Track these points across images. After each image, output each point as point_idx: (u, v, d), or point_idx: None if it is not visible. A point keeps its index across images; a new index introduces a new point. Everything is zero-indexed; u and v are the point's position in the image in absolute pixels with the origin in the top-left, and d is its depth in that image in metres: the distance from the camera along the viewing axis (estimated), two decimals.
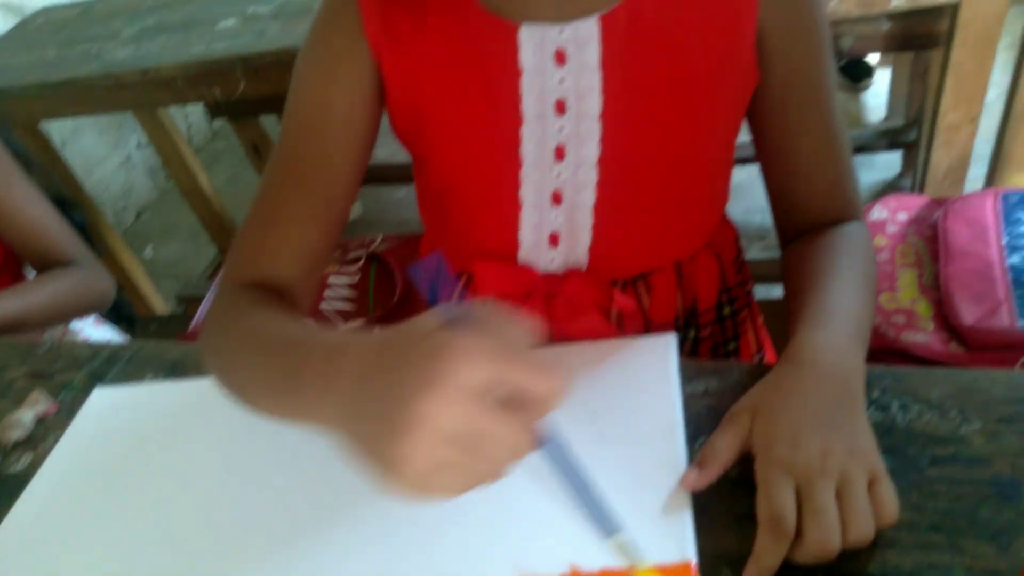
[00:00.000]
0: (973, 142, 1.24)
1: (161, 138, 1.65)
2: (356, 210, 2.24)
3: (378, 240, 1.25)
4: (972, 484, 0.45)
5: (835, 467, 0.43)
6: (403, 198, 2.23)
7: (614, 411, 0.54)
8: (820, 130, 0.60)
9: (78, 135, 2.37)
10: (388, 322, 1.12)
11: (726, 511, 0.46)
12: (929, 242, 0.98)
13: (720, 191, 0.66)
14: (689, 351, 0.69)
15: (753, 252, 1.71)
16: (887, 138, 1.79)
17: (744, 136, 0.63)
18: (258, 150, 2.06)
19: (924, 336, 0.88)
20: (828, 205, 0.62)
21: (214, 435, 0.60)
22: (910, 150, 1.81)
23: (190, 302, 1.82)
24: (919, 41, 1.35)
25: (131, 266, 1.86)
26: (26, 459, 0.63)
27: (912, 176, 1.75)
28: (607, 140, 0.57)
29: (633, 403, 0.54)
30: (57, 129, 2.23)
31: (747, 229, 1.74)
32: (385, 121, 0.63)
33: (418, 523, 0.49)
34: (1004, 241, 0.90)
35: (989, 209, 0.95)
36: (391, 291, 1.15)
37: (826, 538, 0.41)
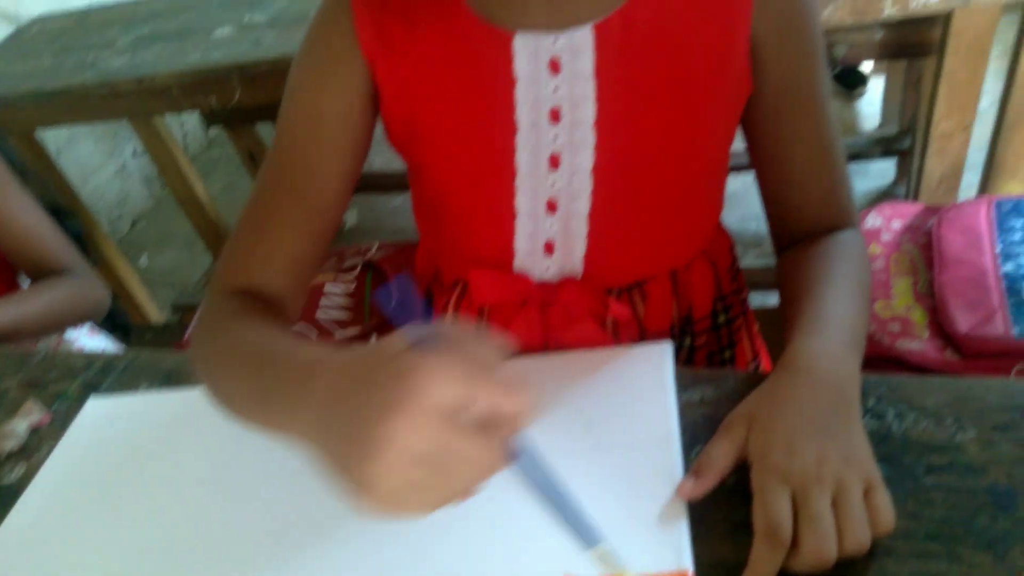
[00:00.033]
0: (967, 150, 1.24)
1: (157, 146, 1.65)
2: (352, 218, 2.24)
3: (374, 248, 1.24)
4: (968, 493, 0.45)
5: (831, 475, 0.43)
6: (399, 206, 2.24)
7: (610, 420, 0.54)
8: (814, 138, 0.60)
9: (73, 143, 2.37)
10: (384, 331, 1.12)
11: (722, 520, 0.46)
12: (924, 250, 0.98)
13: (715, 199, 0.66)
14: (685, 359, 0.69)
15: (748, 260, 1.72)
16: (881, 146, 1.80)
17: (739, 144, 0.63)
18: (254, 158, 2.06)
19: (919, 344, 0.88)
20: (823, 213, 0.63)
21: (209, 445, 0.60)
22: (904, 158, 1.81)
23: (186, 311, 1.81)
24: (912, 50, 1.36)
25: (126, 275, 1.86)
26: (19, 470, 0.62)
27: (906, 184, 1.75)
28: (601, 149, 0.57)
29: (629, 412, 0.54)
30: (52, 137, 2.22)
31: (742, 237, 1.74)
32: (381, 129, 0.63)
33: (411, 534, 0.49)
34: (998, 249, 0.91)
35: (983, 217, 0.95)
36: (387, 300, 1.15)
37: (822, 547, 0.41)
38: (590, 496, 0.49)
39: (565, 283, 0.63)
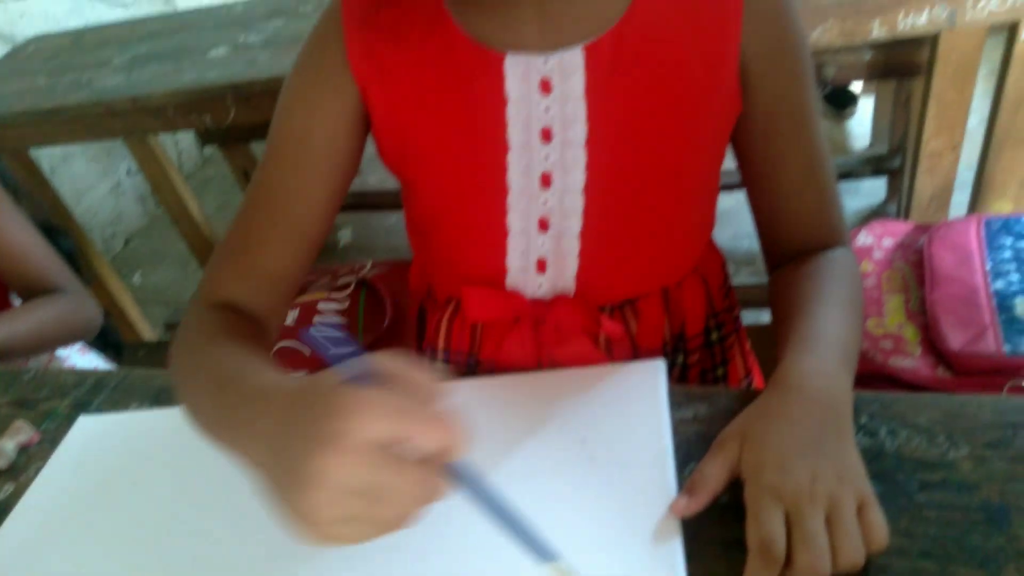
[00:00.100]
0: (956, 169, 1.25)
1: (151, 165, 1.65)
2: (346, 236, 2.24)
3: (368, 266, 1.24)
4: (961, 510, 0.45)
5: (824, 492, 0.43)
6: (393, 225, 2.24)
7: (603, 437, 0.54)
8: (804, 157, 0.60)
9: (68, 162, 2.37)
10: (377, 349, 1.12)
11: (716, 537, 0.46)
12: (915, 267, 0.99)
13: (706, 217, 0.67)
14: (678, 377, 0.69)
15: (741, 278, 1.72)
16: (872, 165, 1.82)
17: (731, 162, 0.64)
18: (248, 177, 2.06)
19: (912, 361, 0.88)
20: (814, 231, 0.63)
21: (199, 464, 0.59)
22: (895, 177, 1.83)
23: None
24: (901, 70, 1.37)
25: (119, 293, 1.85)
26: (8, 489, 0.62)
27: (897, 202, 1.77)
28: (592, 168, 0.58)
29: (622, 429, 0.54)
30: (46, 156, 2.23)
31: (735, 255, 1.75)
32: (375, 147, 0.63)
33: (402, 548, 0.49)
34: (988, 267, 0.91)
35: (973, 235, 0.96)
36: (381, 317, 1.15)
37: (816, 564, 0.41)
38: (584, 514, 0.49)
39: (557, 300, 0.63)
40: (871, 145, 2.05)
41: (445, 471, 0.38)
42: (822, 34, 1.05)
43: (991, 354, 0.83)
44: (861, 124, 2.18)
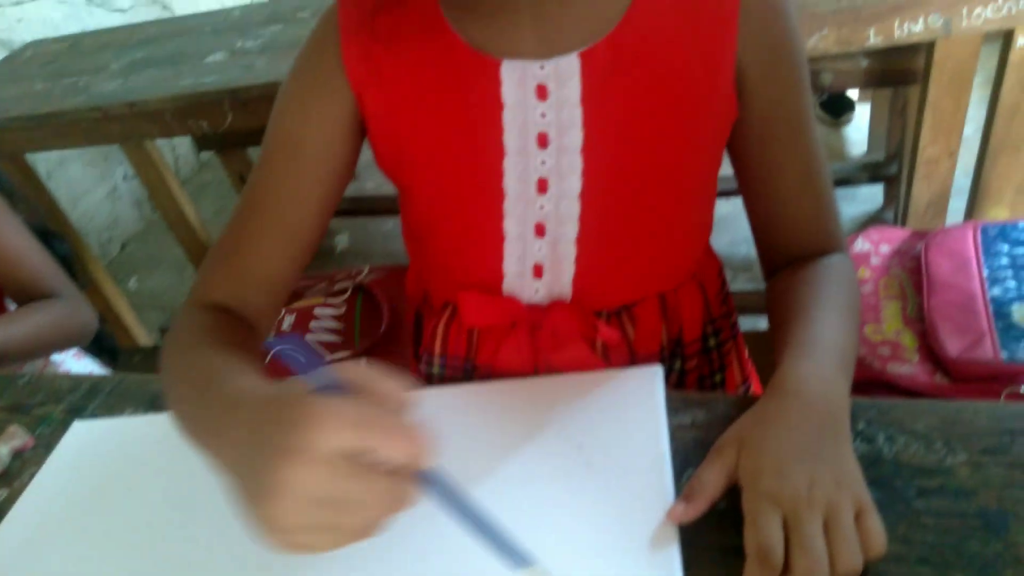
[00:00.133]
0: (953, 176, 1.26)
1: (148, 170, 1.65)
2: (343, 242, 2.24)
3: (364, 272, 1.24)
4: (959, 516, 0.45)
5: (822, 498, 0.43)
6: (390, 230, 2.24)
7: (601, 443, 0.54)
8: (800, 163, 0.60)
9: (64, 166, 2.36)
10: (374, 354, 1.12)
11: (714, 544, 0.46)
12: (912, 274, 0.99)
13: (703, 223, 0.67)
14: (675, 383, 0.69)
15: (739, 284, 1.72)
16: (869, 171, 1.82)
17: (728, 169, 0.64)
18: (245, 182, 2.06)
19: (910, 368, 0.88)
20: (811, 237, 0.63)
21: (194, 470, 0.59)
22: (892, 183, 1.83)
23: None
24: (897, 77, 1.38)
25: (115, 297, 1.85)
26: (1, 495, 0.61)
27: (895, 209, 1.77)
28: (589, 173, 0.57)
29: (620, 435, 0.54)
30: (43, 160, 2.22)
31: (732, 261, 1.75)
32: (372, 152, 0.63)
33: (402, 548, 0.49)
34: (985, 273, 0.92)
35: (970, 242, 0.96)
36: (377, 323, 1.15)
37: (815, 570, 0.40)
38: (580, 520, 0.49)
39: (554, 306, 0.63)
40: (868, 151, 2.05)
41: (417, 479, 0.38)
42: (819, 41, 1.05)
43: (988, 361, 0.83)
44: (859, 130, 2.19)
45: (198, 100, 1.31)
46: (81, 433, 0.66)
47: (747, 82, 0.57)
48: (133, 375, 0.72)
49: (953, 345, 0.85)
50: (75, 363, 1.04)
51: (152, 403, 0.68)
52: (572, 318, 0.62)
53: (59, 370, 1.01)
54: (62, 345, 0.96)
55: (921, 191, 1.28)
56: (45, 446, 0.65)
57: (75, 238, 1.80)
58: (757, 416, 0.50)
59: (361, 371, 0.39)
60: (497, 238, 0.61)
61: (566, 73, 0.55)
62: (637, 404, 0.56)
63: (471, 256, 0.63)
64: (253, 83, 1.28)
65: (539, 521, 0.49)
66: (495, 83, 0.55)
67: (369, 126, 0.60)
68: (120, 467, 0.61)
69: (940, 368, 0.87)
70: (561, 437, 0.55)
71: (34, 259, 0.95)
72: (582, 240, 0.60)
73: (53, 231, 1.11)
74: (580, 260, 0.61)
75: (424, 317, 0.73)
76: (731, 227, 1.39)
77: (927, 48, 1.15)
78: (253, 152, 2.07)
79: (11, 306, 0.99)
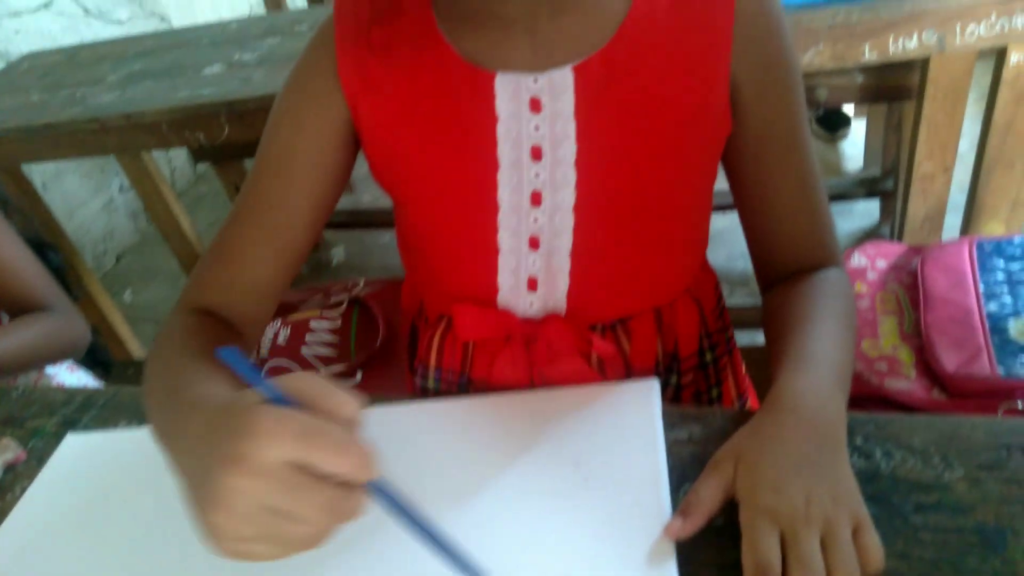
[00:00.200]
0: (948, 191, 1.26)
1: (143, 182, 1.65)
2: (339, 255, 2.24)
3: (360, 285, 1.24)
4: (957, 532, 0.45)
5: (819, 514, 0.43)
6: (387, 243, 2.24)
7: (597, 457, 0.53)
8: (795, 178, 0.61)
9: (60, 178, 2.36)
10: (370, 367, 1.11)
11: (711, 560, 0.46)
12: (908, 289, 0.99)
13: (698, 238, 0.67)
14: (671, 397, 0.69)
15: (736, 298, 1.72)
16: (865, 187, 1.83)
17: (724, 183, 0.64)
18: None
19: (907, 383, 0.88)
20: (806, 252, 0.63)
21: None
22: (888, 198, 1.84)
23: None
24: (892, 93, 1.39)
25: (109, 310, 1.84)
26: None
27: (891, 224, 1.78)
28: (582, 186, 0.58)
29: (616, 449, 0.54)
30: (39, 171, 2.22)
31: (729, 275, 1.75)
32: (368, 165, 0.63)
33: (403, 548, 0.48)
34: (981, 289, 0.92)
35: (966, 257, 0.97)
36: (373, 336, 1.15)
37: None
38: (577, 535, 0.48)
39: (549, 319, 0.63)
40: (864, 167, 2.06)
41: (368, 491, 0.38)
42: (814, 57, 1.06)
43: (985, 376, 0.83)
44: (854, 145, 2.20)
45: (195, 112, 1.31)
46: (74, 446, 0.65)
47: (741, 98, 0.57)
48: (127, 388, 0.72)
49: (950, 360, 0.85)
50: (69, 376, 1.03)
51: (146, 416, 0.67)
52: (567, 332, 0.62)
53: (53, 383, 1.00)
54: (55, 358, 0.95)
55: (917, 206, 1.29)
56: (38, 459, 0.64)
57: (70, 250, 1.80)
58: (754, 431, 0.49)
59: (312, 383, 0.39)
60: (491, 251, 0.61)
61: (560, 86, 0.55)
62: (634, 418, 0.56)
63: (465, 269, 0.63)
64: (250, 95, 1.28)
65: (536, 537, 0.49)
66: (489, 96, 0.56)
67: (363, 137, 0.60)
68: (114, 480, 0.61)
69: (937, 383, 0.86)
70: (557, 451, 0.55)
71: (28, 271, 0.94)
72: (576, 253, 0.60)
73: (48, 242, 1.11)
74: (574, 273, 0.61)
75: (419, 330, 0.73)
76: (728, 242, 1.39)
77: (922, 64, 1.16)
78: (249, 164, 2.06)
79: (4, 318, 0.99)
